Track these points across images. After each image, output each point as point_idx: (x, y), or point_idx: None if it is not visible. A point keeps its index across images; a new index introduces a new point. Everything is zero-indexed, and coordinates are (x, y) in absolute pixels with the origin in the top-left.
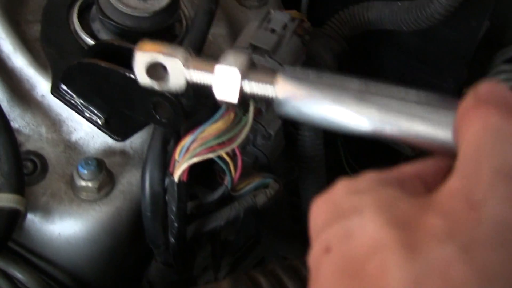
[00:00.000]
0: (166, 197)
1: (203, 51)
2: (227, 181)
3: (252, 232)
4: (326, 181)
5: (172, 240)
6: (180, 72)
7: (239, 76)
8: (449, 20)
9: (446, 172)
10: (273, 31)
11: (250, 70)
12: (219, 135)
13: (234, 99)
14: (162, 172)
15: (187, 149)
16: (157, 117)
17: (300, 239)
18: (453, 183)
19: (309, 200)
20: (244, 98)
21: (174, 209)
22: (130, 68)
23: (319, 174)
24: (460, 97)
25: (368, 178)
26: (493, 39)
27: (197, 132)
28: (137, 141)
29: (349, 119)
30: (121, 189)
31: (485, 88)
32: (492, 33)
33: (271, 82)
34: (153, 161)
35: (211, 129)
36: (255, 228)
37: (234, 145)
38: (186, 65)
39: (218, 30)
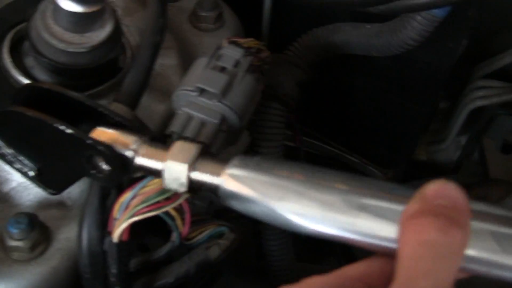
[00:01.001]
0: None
1: (151, 85)
2: (174, 236)
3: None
4: None
5: None
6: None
7: (186, 173)
8: (424, 42)
9: (390, 275)
10: (223, 69)
11: (199, 161)
12: (163, 190)
13: (182, 189)
14: (100, 231)
15: (127, 206)
16: (92, 171)
17: (264, 276)
18: None
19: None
20: (192, 188)
21: (114, 271)
22: (61, 117)
23: None
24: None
25: (309, 285)
26: (472, 54)
27: (138, 186)
28: (75, 190)
29: (292, 218)
30: (58, 246)
31: (431, 191)
32: (470, 48)
33: (218, 174)
34: (90, 218)
35: (154, 183)
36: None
37: (181, 200)
38: (138, 153)
39: (167, 61)
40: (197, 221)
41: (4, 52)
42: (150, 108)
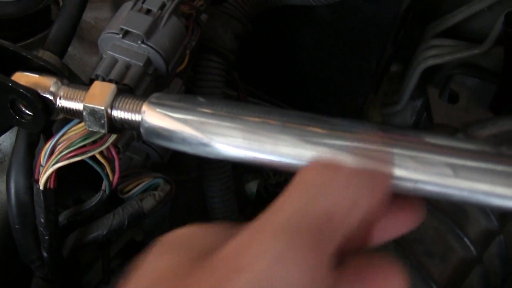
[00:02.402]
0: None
1: (84, 37)
2: (105, 185)
3: (166, 229)
4: (232, 177)
5: (45, 254)
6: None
7: (105, 112)
8: None
9: None
10: (148, 12)
11: (118, 99)
12: (88, 135)
13: (103, 130)
14: (28, 179)
15: (52, 152)
16: (17, 117)
17: None
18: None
19: (214, 198)
20: (115, 126)
21: (42, 220)
22: None
23: (223, 169)
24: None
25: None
26: (423, 13)
27: (62, 131)
28: (7, 142)
29: (214, 144)
30: None
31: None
32: (421, 7)
33: (137, 110)
34: (17, 167)
35: (79, 127)
36: (169, 225)
37: (107, 144)
38: (57, 95)
39: (101, 14)
40: (133, 174)
41: None
42: (83, 60)
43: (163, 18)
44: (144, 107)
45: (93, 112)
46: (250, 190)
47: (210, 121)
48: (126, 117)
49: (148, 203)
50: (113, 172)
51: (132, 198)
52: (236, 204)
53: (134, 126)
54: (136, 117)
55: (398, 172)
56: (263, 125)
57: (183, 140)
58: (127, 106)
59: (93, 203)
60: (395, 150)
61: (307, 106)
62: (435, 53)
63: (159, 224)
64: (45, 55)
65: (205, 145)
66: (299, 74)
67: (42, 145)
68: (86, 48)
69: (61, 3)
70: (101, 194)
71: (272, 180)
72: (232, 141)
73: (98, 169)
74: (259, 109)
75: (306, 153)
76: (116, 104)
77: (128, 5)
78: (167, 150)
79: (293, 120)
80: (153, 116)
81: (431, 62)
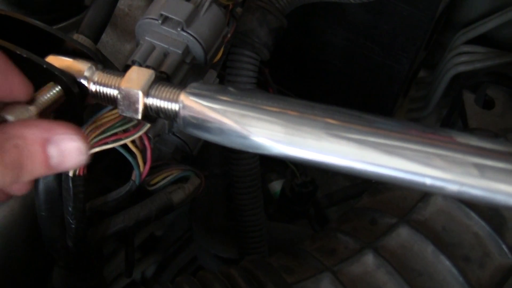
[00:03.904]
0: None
1: (117, 25)
2: (135, 175)
3: (184, 226)
4: (260, 174)
5: (70, 243)
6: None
7: (141, 97)
8: None
9: None
10: None
11: (155, 86)
12: (122, 121)
13: (137, 116)
14: None
15: None
16: None
17: (232, 236)
18: None
19: (242, 195)
20: (149, 114)
21: (70, 208)
22: (23, 45)
23: (252, 165)
24: None
25: None
26: (454, 19)
27: (93, 117)
28: None
29: (254, 138)
30: None
31: None
32: (453, 13)
33: (175, 99)
34: None
35: (112, 114)
36: (188, 222)
37: (141, 133)
38: (91, 79)
39: (135, 2)
40: (162, 166)
41: None
42: (115, 47)
43: (204, 5)
44: (182, 97)
45: (128, 96)
46: (274, 189)
47: (251, 113)
48: (162, 105)
49: (177, 196)
50: (144, 162)
51: (160, 190)
52: (262, 203)
53: (170, 115)
54: (173, 106)
55: (443, 175)
56: (306, 120)
57: (222, 132)
58: (164, 94)
59: (122, 193)
60: (431, 150)
61: None
62: (466, 60)
63: (178, 220)
64: (80, 38)
65: (243, 137)
66: (329, 74)
67: None
68: (120, 36)
69: None
70: (130, 184)
71: (298, 180)
72: (272, 135)
73: (130, 158)
74: (303, 103)
75: (348, 150)
76: (153, 92)
77: None
78: (197, 142)
79: (338, 117)
80: (192, 106)
81: (460, 68)
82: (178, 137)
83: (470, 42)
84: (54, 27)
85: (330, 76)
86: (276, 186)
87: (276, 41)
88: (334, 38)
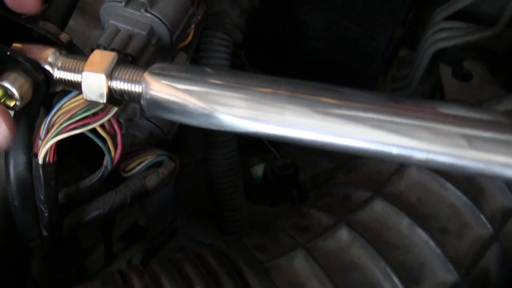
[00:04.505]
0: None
1: (86, 11)
2: (106, 161)
3: (170, 216)
4: (237, 158)
5: (44, 232)
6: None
7: (104, 80)
8: None
9: None
10: None
11: (118, 68)
12: (88, 106)
13: (102, 100)
14: (27, 154)
15: (52, 125)
16: None
17: (217, 221)
18: None
19: (221, 179)
20: (114, 97)
21: (42, 196)
22: None
23: (229, 149)
24: None
25: None
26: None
27: (61, 102)
28: None
29: (218, 115)
30: None
31: None
32: None
33: (138, 80)
34: (16, 141)
35: (78, 99)
36: (173, 210)
37: (108, 117)
38: (55, 65)
39: None
40: (136, 152)
41: None
42: (85, 34)
43: None
44: (146, 77)
45: (91, 80)
46: (256, 173)
47: (214, 91)
48: (126, 88)
49: (152, 180)
50: (115, 147)
51: (134, 174)
52: (242, 185)
53: (134, 97)
54: (136, 87)
55: (411, 142)
56: (269, 95)
57: (186, 111)
58: (128, 76)
59: (94, 179)
60: (407, 121)
61: None
62: (445, 36)
63: (162, 209)
64: (45, 25)
65: (208, 116)
66: (306, 54)
67: (41, 119)
68: (88, 22)
69: None
70: (102, 170)
71: (279, 163)
72: (236, 111)
73: (100, 143)
74: (267, 79)
75: (314, 123)
76: (116, 74)
77: None
78: (171, 126)
79: (302, 90)
80: (155, 87)
81: (441, 44)
82: (151, 121)
83: (450, 18)
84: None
85: (308, 56)
86: (258, 170)
87: (249, 22)
88: (310, 18)
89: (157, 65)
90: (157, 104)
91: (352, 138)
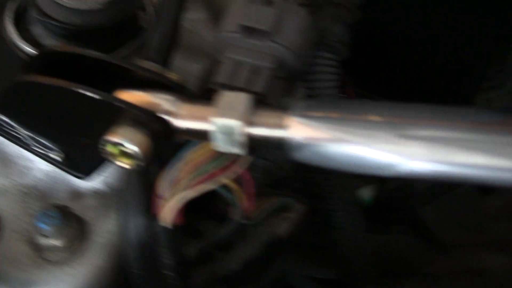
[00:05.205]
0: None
1: (181, 44)
2: (236, 214)
3: None
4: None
5: None
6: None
7: (242, 128)
8: None
9: None
10: (269, 3)
11: (255, 113)
12: (218, 156)
13: (237, 150)
14: (148, 216)
15: (174, 181)
16: None
17: (322, 255)
18: None
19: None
20: (252, 146)
21: (168, 262)
22: (86, 82)
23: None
24: None
25: None
26: None
27: (183, 155)
28: (113, 173)
29: (385, 160)
30: (98, 241)
31: None
32: None
33: (282, 125)
34: (134, 202)
35: (203, 150)
36: None
37: (242, 167)
38: (175, 113)
39: (195, 15)
40: (256, 195)
41: (7, 24)
42: (183, 69)
43: (289, 8)
44: (290, 120)
45: (226, 129)
46: (362, 196)
47: (381, 131)
48: (267, 134)
49: (284, 228)
50: (246, 197)
51: (259, 223)
52: (361, 214)
53: (277, 144)
54: (280, 133)
55: None
56: (453, 130)
57: (348, 158)
58: (268, 120)
59: (223, 235)
60: None
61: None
62: None
63: None
64: (146, 64)
65: (379, 163)
66: (405, 64)
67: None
68: (185, 55)
69: (149, 8)
70: (231, 224)
71: (390, 185)
72: (420, 154)
73: (228, 195)
74: (442, 109)
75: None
76: (254, 119)
77: None
78: (286, 162)
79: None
80: (305, 132)
81: None
82: (264, 158)
83: None
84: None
85: (410, 68)
86: (364, 193)
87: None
88: (409, 24)
89: (299, 104)
90: (309, 150)
91: None
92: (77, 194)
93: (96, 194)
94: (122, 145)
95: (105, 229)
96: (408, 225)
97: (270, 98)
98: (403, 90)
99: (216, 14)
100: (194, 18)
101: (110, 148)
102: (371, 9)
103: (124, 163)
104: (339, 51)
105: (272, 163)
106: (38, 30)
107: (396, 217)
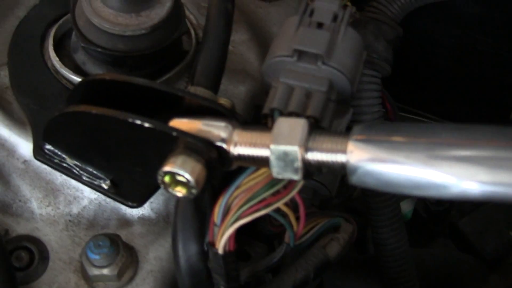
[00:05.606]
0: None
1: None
2: (288, 237)
3: None
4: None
5: None
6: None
7: (301, 154)
8: None
9: None
10: (320, 25)
11: (312, 138)
12: (272, 183)
13: (296, 176)
14: (200, 243)
15: (229, 208)
16: None
17: (366, 270)
18: None
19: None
20: (309, 171)
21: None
22: (134, 110)
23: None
24: None
25: None
26: None
27: (238, 182)
28: (159, 199)
29: (450, 183)
30: (148, 268)
31: None
32: None
33: (342, 150)
34: (185, 230)
35: (259, 175)
36: None
37: (295, 192)
38: (231, 141)
39: (237, 36)
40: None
41: (49, 51)
42: (228, 92)
43: (340, 30)
44: (350, 145)
45: (284, 156)
46: (402, 210)
47: (443, 152)
48: (326, 160)
49: (333, 248)
50: (297, 221)
51: (308, 244)
52: (405, 231)
53: (336, 169)
54: (339, 158)
55: None
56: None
57: (410, 180)
58: (326, 145)
59: (276, 259)
60: None
61: (452, 113)
62: None
63: None
64: (198, 91)
65: (442, 186)
66: (440, 76)
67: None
68: (230, 78)
69: (192, 32)
70: (284, 248)
71: (432, 199)
72: (483, 176)
73: (280, 219)
74: (490, 130)
75: None
76: (312, 145)
77: (292, 21)
78: (334, 182)
79: None
80: (366, 156)
81: None
82: (315, 180)
83: None
84: (158, 80)
85: (441, 78)
86: (404, 206)
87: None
88: (441, 36)
89: (357, 128)
90: (371, 176)
91: None
92: (124, 222)
93: (144, 220)
94: (178, 174)
95: (154, 256)
96: (448, 237)
97: (324, 122)
98: (441, 105)
99: (257, 35)
100: (235, 40)
101: (166, 178)
102: (411, 24)
103: (178, 192)
104: (381, 68)
105: (321, 184)
106: (80, 57)
107: (436, 230)
